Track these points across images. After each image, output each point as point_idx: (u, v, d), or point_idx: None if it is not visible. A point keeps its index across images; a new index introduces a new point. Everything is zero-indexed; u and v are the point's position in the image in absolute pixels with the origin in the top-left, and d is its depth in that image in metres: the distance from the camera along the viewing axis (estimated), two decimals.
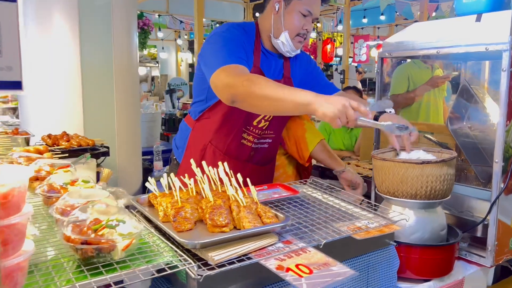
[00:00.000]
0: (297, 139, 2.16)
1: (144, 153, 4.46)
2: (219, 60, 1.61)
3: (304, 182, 1.73)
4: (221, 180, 1.36)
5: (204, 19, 10.05)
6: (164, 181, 1.31)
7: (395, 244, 1.36)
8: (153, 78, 13.54)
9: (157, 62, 12.96)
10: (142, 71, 12.89)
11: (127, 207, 1.32)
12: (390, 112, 1.63)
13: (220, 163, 1.41)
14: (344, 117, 1.33)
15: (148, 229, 1.17)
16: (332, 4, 7.51)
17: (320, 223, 1.28)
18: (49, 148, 2.51)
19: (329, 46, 10.19)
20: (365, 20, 9.77)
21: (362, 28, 10.45)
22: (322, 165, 3.00)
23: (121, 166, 3.33)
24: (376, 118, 1.61)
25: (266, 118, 1.95)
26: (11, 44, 0.60)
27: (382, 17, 9.11)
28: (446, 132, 2.23)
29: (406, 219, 1.38)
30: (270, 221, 1.17)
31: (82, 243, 0.93)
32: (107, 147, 2.73)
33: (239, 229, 1.15)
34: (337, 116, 1.32)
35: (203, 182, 1.37)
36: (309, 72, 2.03)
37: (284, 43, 1.82)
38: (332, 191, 1.63)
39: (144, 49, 9.60)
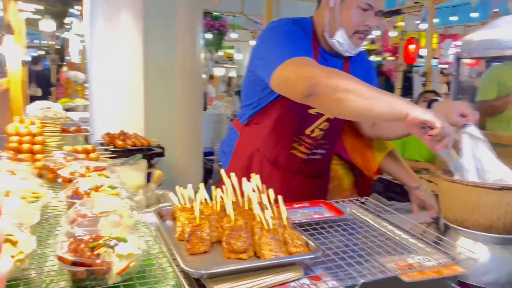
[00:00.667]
0: (363, 148, 1.92)
1: (208, 154, 4.46)
2: (285, 52, 1.42)
3: (355, 201, 1.50)
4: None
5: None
6: (187, 191, 1.19)
7: None
8: (230, 79, 13.76)
9: (234, 63, 13.13)
10: (220, 71, 13.16)
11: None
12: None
13: (253, 175, 1.25)
14: (448, 128, 1.14)
15: (161, 248, 1.05)
16: (417, 1, 6.97)
17: (362, 255, 1.07)
18: (106, 147, 2.55)
19: (412, 46, 9.52)
20: (454, 18, 8.92)
21: (450, 27, 9.60)
22: (389, 178, 2.71)
23: (180, 167, 3.32)
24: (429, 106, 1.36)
25: (321, 127, 1.75)
26: None
27: (474, 14, 8.23)
28: None
29: (475, 259, 1.11)
30: (297, 251, 0.99)
31: (73, 264, 0.84)
32: (162, 148, 2.72)
33: (259, 257, 0.98)
34: (443, 120, 1.14)
35: (230, 196, 1.23)
36: (366, 74, 1.80)
37: (341, 42, 1.60)
38: (388, 213, 1.39)
39: (219, 50, 9.73)
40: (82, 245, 0.88)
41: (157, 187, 2.48)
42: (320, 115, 1.71)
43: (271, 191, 1.18)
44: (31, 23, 9.92)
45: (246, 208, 1.17)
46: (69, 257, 0.84)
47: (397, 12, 7.84)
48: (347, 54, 1.67)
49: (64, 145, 2.17)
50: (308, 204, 1.41)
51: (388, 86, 12.39)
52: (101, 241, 0.89)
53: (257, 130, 1.81)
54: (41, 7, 5.02)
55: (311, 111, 1.69)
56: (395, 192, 2.45)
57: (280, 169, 1.80)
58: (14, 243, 0.89)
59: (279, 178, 1.79)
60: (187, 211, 1.13)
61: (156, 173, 2.47)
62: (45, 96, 11.67)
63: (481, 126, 2.73)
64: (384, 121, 1.25)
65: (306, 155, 1.79)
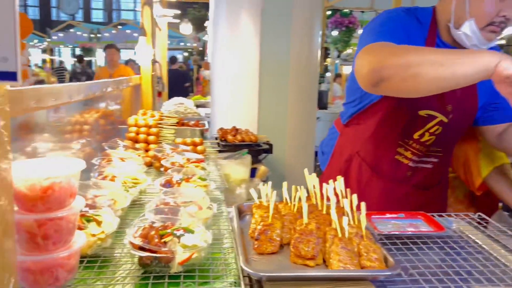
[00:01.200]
0: (467, 159, 1.66)
1: None
2: (370, 40, 1.30)
3: (465, 216, 1.29)
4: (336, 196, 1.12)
5: None
6: (266, 188, 1.16)
7: None
8: None
9: None
10: (348, 70, 12.84)
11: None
12: None
13: (339, 177, 1.17)
14: None
15: (232, 243, 1.05)
16: None
17: (455, 280, 0.91)
18: (218, 141, 2.68)
19: None
20: None
21: None
22: None
23: (289, 164, 3.31)
24: None
25: (432, 131, 1.53)
26: (7, 33, 0.55)
27: None
28: None
29: None
30: (371, 266, 0.88)
31: (140, 248, 0.88)
32: (270, 145, 2.74)
33: (328, 267, 0.90)
34: None
35: (313, 196, 1.17)
36: None
37: (469, 35, 1.34)
38: (506, 235, 1.16)
39: (348, 48, 9.47)
40: (153, 232, 0.92)
41: (263, 183, 2.52)
42: (431, 117, 1.49)
43: (354, 196, 1.08)
44: (176, 27, 11.02)
45: (325, 212, 1.09)
46: (137, 242, 0.88)
47: None
48: (475, 49, 1.41)
49: (181, 137, 2.34)
50: (403, 215, 1.26)
51: None
52: (169, 230, 0.92)
53: (357, 131, 1.67)
54: (179, 12, 5.53)
55: (421, 112, 1.49)
56: None
57: (382, 176, 1.62)
58: (99, 223, 0.98)
59: (380, 186, 1.63)
60: (262, 209, 1.11)
61: (261, 168, 2.51)
62: (185, 93, 12.91)
63: None
64: (472, 83, 1.02)
65: (414, 163, 1.59)
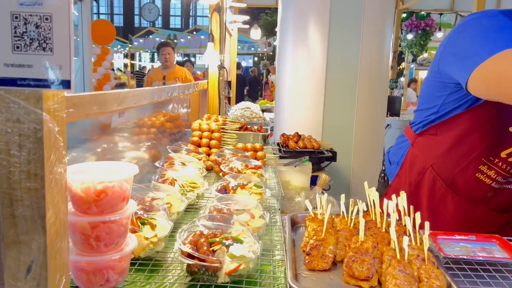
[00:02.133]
0: None
1: None
2: (491, 47, 1.15)
3: None
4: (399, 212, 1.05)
5: None
6: (320, 200, 1.11)
7: None
8: None
9: None
10: (424, 74, 12.21)
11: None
12: None
13: (402, 193, 1.09)
14: None
15: (282, 256, 1.02)
16: None
17: None
18: (279, 147, 2.66)
19: None
20: None
21: None
22: None
23: (355, 173, 3.20)
24: None
25: None
26: (63, 42, 0.58)
27: None
28: None
29: None
30: None
31: (188, 256, 0.88)
32: (334, 152, 2.66)
33: None
34: None
35: (373, 212, 1.10)
36: None
37: None
38: None
39: (424, 51, 8.98)
40: (202, 239, 0.92)
41: (324, 191, 2.45)
42: None
43: (418, 214, 0.99)
44: (247, 32, 11.23)
45: (384, 230, 1.02)
46: (186, 248, 0.88)
47: None
48: None
49: (244, 142, 2.36)
50: (475, 237, 1.14)
51: None
52: (218, 239, 0.91)
53: (433, 142, 1.53)
54: (248, 18, 5.60)
55: None
56: None
57: (458, 194, 1.48)
58: (153, 227, 1.00)
59: (455, 205, 1.48)
60: (316, 222, 1.06)
61: (322, 177, 2.44)
62: (255, 96, 13.10)
63: None
64: None
65: (498, 184, 1.43)
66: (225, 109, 4.98)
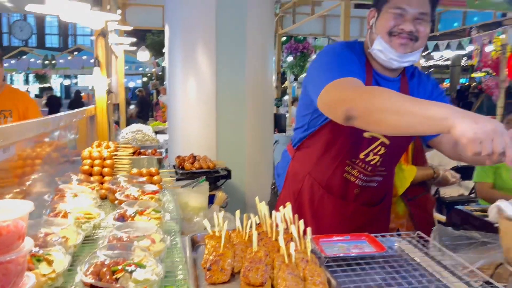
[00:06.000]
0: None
1: None
2: (328, 75, 1.42)
3: (405, 236, 1.39)
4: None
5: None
6: (216, 219, 1.20)
7: None
8: None
9: None
10: None
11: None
12: None
13: (288, 204, 1.23)
14: (489, 144, 0.98)
15: (185, 275, 1.08)
16: None
17: None
18: (175, 169, 2.70)
19: None
20: None
21: None
22: (467, 210, 2.45)
23: (249, 188, 3.37)
24: None
25: (376, 151, 1.66)
26: None
27: None
28: None
29: None
30: None
31: (91, 286, 0.89)
32: (228, 171, 2.79)
33: None
34: (480, 138, 0.98)
35: (264, 225, 1.22)
36: (430, 94, 1.67)
37: (381, 49, 1.52)
38: (439, 252, 1.26)
39: (304, 72, 9.81)
40: (104, 269, 0.94)
41: (222, 209, 2.55)
42: (374, 139, 1.63)
43: (301, 222, 1.14)
44: (134, 53, 10.99)
45: (274, 239, 1.15)
46: (88, 280, 0.90)
47: (496, 25, 7.20)
48: (396, 64, 1.56)
49: (138, 167, 2.34)
50: (349, 237, 1.33)
51: (489, 106, 11.29)
52: (120, 266, 0.94)
53: (308, 153, 1.79)
54: (135, 40, 5.55)
55: (365, 134, 1.62)
56: (473, 225, 2.20)
57: (333, 194, 1.74)
58: (50, 262, 0.98)
59: (331, 204, 1.74)
60: (215, 239, 1.15)
61: (219, 195, 2.54)
62: (147, 118, 12.75)
63: None
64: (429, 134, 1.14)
65: (362, 181, 1.71)
66: (115, 133, 4.81)
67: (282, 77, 9.51)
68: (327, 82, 1.37)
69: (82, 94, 16.41)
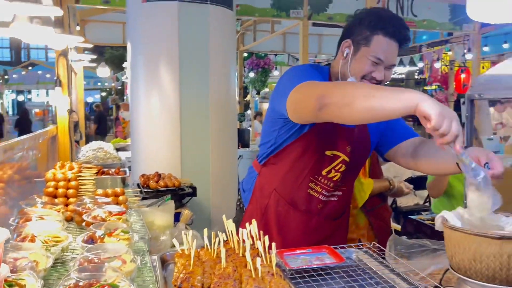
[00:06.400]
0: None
1: None
2: (296, 82, 1.50)
3: (362, 246, 1.49)
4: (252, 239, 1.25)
5: (323, 55, 10.11)
6: (185, 237, 1.25)
7: None
8: None
9: None
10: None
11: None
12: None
13: (254, 221, 1.30)
14: (449, 122, 1.10)
15: None
16: (464, 31, 6.81)
17: None
18: (140, 188, 2.70)
19: (463, 76, 9.21)
20: (506, 46, 8.58)
21: (502, 55, 9.22)
22: (419, 219, 2.63)
23: (215, 204, 3.41)
24: None
25: (337, 168, 1.77)
26: None
27: None
28: None
29: None
30: None
31: None
32: (194, 188, 2.83)
33: None
34: (444, 115, 1.10)
35: (231, 241, 1.29)
36: (390, 122, 1.81)
37: None
38: (392, 259, 1.37)
39: (266, 87, 10.02)
40: None
41: (188, 227, 2.58)
42: (336, 156, 1.74)
43: (266, 238, 1.21)
44: (93, 68, 10.80)
45: (242, 255, 1.21)
46: None
47: (443, 42, 7.70)
48: None
49: (102, 187, 2.34)
50: (311, 250, 1.42)
51: None
52: None
53: (274, 170, 1.86)
54: (95, 57, 5.49)
55: (327, 152, 1.73)
56: (425, 233, 2.36)
57: (298, 209, 1.82)
58: (22, 287, 1.00)
59: (296, 219, 1.82)
60: (184, 257, 1.20)
61: (185, 213, 2.57)
62: (105, 134, 12.46)
63: None
64: (398, 116, 1.23)
65: (325, 197, 1.81)
66: (76, 151, 4.70)
67: (244, 92, 9.66)
68: (296, 85, 1.47)
69: (36, 111, 15.83)
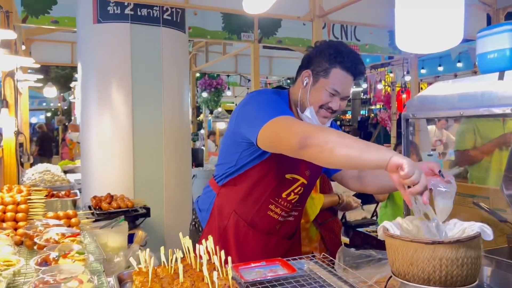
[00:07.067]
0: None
1: None
2: (265, 114, 1.56)
3: (312, 257, 1.58)
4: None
5: (274, 77, 10.41)
6: (142, 256, 1.28)
7: None
8: None
9: None
10: (221, 126, 13.51)
11: None
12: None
13: (210, 237, 1.35)
14: (419, 174, 1.21)
15: None
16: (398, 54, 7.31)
17: None
18: (92, 210, 2.66)
19: (404, 96, 9.80)
20: (440, 68, 9.30)
21: (438, 76, 9.97)
22: (366, 231, 2.79)
23: (169, 224, 3.40)
24: None
25: (296, 191, 1.85)
26: None
27: (459, 64, 8.59)
28: None
29: None
30: None
31: None
32: (147, 208, 2.82)
33: None
34: (415, 166, 1.20)
35: (188, 257, 1.33)
36: None
37: (310, 118, 1.74)
38: (341, 269, 1.47)
39: (219, 106, 10.11)
40: None
41: (142, 248, 2.56)
42: (295, 180, 1.82)
43: (222, 252, 1.27)
44: (39, 88, 10.41)
45: (199, 270, 1.26)
46: None
47: (385, 65, 8.22)
48: None
49: (52, 210, 2.28)
50: (264, 263, 1.48)
51: (385, 135, 12.54)
52: None
53: (234, 191, 1.87)
54: (41, 77, 5.33)
55: (287, 176, 1.80)
56: (371, 244, 2.51)
57: (257, 230, 1.87)
58: None
59: (255, 239, 1.86)
60: (142, 275, 1.22)
61: (139, 234, 2.56)
62: (50, 156, 11.91)
63: (463, 175, 2.78)
64: (371, 168, 1.35)
65: (283, 217, 1.88)
66: (21, 175, 4.51)
67: (197, 112, 9.69)
68: (267, 120, 1.53)
69: None
